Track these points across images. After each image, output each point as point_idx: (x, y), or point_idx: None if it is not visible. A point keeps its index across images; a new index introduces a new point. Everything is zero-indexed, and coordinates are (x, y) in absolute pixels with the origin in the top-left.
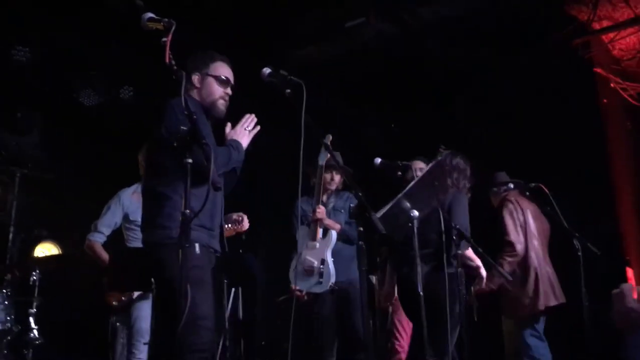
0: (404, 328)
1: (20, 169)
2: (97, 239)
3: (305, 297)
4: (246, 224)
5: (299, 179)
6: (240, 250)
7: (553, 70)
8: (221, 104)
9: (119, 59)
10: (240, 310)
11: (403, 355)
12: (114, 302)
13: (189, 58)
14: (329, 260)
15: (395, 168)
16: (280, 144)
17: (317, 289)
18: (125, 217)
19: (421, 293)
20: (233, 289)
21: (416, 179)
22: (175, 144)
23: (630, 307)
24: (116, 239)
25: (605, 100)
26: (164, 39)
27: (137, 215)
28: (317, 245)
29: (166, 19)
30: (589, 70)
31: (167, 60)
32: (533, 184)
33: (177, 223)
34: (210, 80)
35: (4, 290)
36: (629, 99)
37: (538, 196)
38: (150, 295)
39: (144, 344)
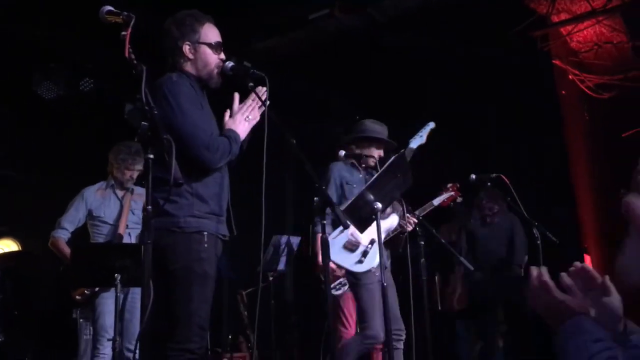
0: (352, 317)
1: None
2: (61, 235)
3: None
4: None
5: (263, 171)
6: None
7: (513, 62)
8: (218, 74)
9: (79, 51)
10: None
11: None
12: (77, 297)
13: (172, 23)
14: (381, 242)
15: (359, 159)
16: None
17: (355, 268)
18: (89, 214)
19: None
20: None
21: (379, 171)
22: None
23: (558, 299)
24: (80, 234)
25: (563, 92)
26: (123, 33)
27: (100, 212)
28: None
29: (125, 13)
30: (547, 62)
31: (126, 54)
32: (494, 175)
33: (185, 211)
34: (204, 48)
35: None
36: (586, 90)
37: (498, 186)
38: (113, 290)
39: (108, 339)
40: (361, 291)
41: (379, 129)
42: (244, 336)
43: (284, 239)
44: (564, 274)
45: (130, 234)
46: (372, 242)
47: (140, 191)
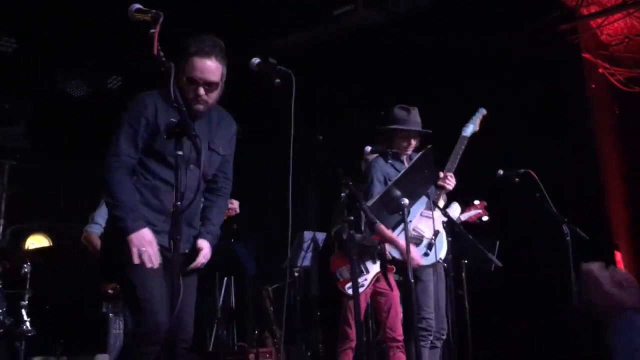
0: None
1: (8, 160)
2: (94, 230)
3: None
4: (236, 206)
5: (289, 168)
6: (232, 240)
7: (541, 56)
8: (196, 106)
9: (106, 49)
10: (233, 298)
11: (354, 344)
12: (109, 291)
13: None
14: (444, 232)
15: (385, 155)
16: (270, 133)
17: (422, 261)
18: None
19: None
20: (225, 278)
21: (406, 167)
22: (165, 137)
23: (609, 292)
24: None
25: (593, 86)
26: (152, 31)
27: None
28: (431, 215)
29: (154, 11)
30: (577, 55)
31: (155, 52)
32: (522, 170)
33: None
34: (184, 81)
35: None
36: (617, 84)
37: (527, 182)
38: None
39: None
40: (417, 287)
41: (405, 116)
42: (269, 331)
43: (309, 235)
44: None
45: None
46: (436, 233)
47: None
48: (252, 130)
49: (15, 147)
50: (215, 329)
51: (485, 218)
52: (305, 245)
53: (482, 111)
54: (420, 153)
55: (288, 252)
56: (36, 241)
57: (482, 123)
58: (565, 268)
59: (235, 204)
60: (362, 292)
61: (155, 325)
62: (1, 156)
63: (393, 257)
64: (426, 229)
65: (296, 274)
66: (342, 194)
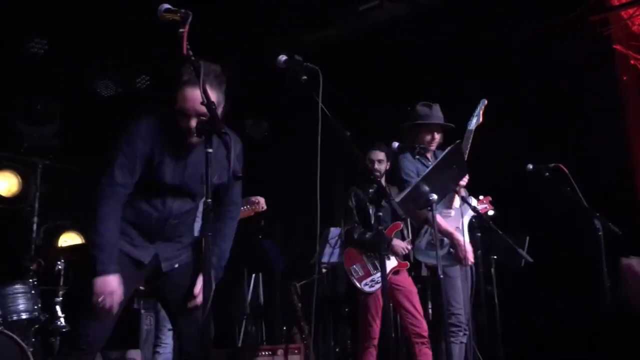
0: (378, 314)
1: (41, 159)
2: None
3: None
4: (263, 204)
5: (317, 163)
6: (260, 237)
7: (571, 48)
8: (189, 138)
9: (135, 49)
10: (261, 295)
11: (376, 341)
12: (140, 287)
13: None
14: (465, 230)
15: (413, 151)
16: (296, 129)
17: (446, 262)
18: None
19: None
20: (253, 275)
21: (434, 162)
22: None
23: None
24: None
25: (624, 77)
26: (181, 30)
27: None
28: (453, 213)
29: (183, 10)
30: (608, 47)
31: (184, 51)
32: (552, 165)
33: None
34: (177, 111)
35: (30, 280)
36: None
37: (557, 176)
38: None
39: (169, 329)
40: (445, 283)
41: (427, 112)
42: (298, 328)
43: (336, 231)
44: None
45: None
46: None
47: None
48: (279, 126)
49: (47, 147)
50: (244, 325)
51: (491, 212)
52: (332, 241)
53: (484, 102)
54: (449, 148)
55: (316, 248)
56: (69, 238)
57: (485, 114)
58: (597, 263)
59: (261, 201)
60: (379, 288)
61: (86, 344)
62: (34, 156)
63: (416, 259)
64: (447, 228)
65: (324, 270)
66: (352, 194)
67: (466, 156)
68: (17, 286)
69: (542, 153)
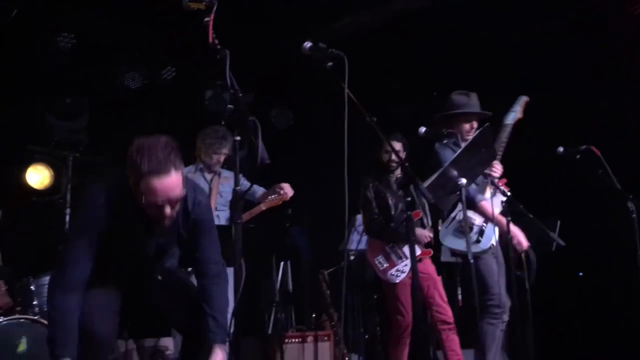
0: (409, 303)
1: (71, 152)
2: None
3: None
4: (289, 191)
5: (344, 150)
6: (287, 225)
7: (601, 27)
8: (161, 224)
9: (161, 40)
10: (290, 282)
11: (409, 329)
12: None
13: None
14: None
15: (440, 136)
16: (322, 116)
17: (474, 249)
18: None
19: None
20: (282, 263)
21: (463, 146)
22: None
23: None
24: None
25: None
26: (207, 19)
27: None
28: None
29: None
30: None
31: (210, 40)
32: (583, 147)
33: None
34: (142, 200)
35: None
36: None
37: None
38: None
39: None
40: (479, 268)
41: (465, 100)
42: (327, 315)
43: None
44: None
45: (219, 216)
46: (485, 220)
47: (226, 174)
48: (304, 115)
49: (77, 140)
50: (273, 312)
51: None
52: (360, 228)
53: (523, 98)
54: (477, 132)
55: (345, 236)
56: None
57: (525, 109)
58: (630, 246)
59: (286, 187)
60: (405, 277)
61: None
62: (65, 149)
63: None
64: (475, 215)
65: (352, 258)
66: (369, 186)
67: (502, 150)
68: None
69: (573, 135)
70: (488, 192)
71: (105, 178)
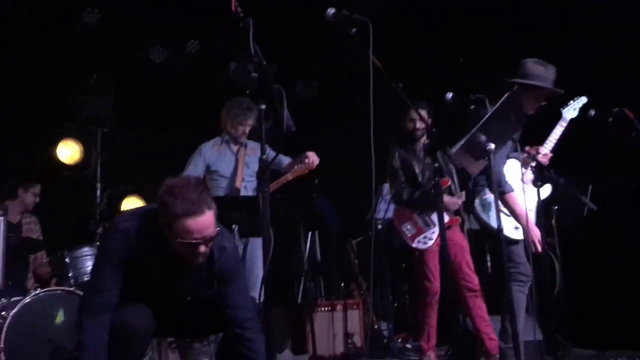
0: (437, 269)
1: (100, 128)
2: None
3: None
4: (315, 159)
5: (370, 118)
6: (314, 195)
7: None
8: (196, 261)
9: (184, 13)
10: (318, 252)
11: (437, 296)
12: None
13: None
14: (533, 211)
15: (468, 102)
16: (349, 86)
17: (513, 234)
18: (207, 169)
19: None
20: (309, 233)
21: (491, 110)
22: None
23: None
24: None
25: None
26: None
27: (217, 166)
28: (527, 189)
29: None
30: None
31: (233, 9)
32: (616, 109)
33: None
34: (177, 242)
35: (97, 243)
36: None
37: (621, 121)
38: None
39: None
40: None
41: (542, 72)
42: (355, 284)
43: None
44: None
45: (246, 187)
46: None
47: (252, 145)
48: (329, 85)
49: (105, 115)
50: (302, 282)
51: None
52: (387, 197)
53: (583, 100)
54: (506, 95)
55: (373, 204)
56: (131, 202)
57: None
58: None
59: (311, 156)
60: (433, 244)
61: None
62: (93, 125)
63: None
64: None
65: (379, 226)
66: (395, 154)
67: (555, 142)
68: (86, 249)
69: (605, 97)
70: (529, 175)
71: (133, 212)
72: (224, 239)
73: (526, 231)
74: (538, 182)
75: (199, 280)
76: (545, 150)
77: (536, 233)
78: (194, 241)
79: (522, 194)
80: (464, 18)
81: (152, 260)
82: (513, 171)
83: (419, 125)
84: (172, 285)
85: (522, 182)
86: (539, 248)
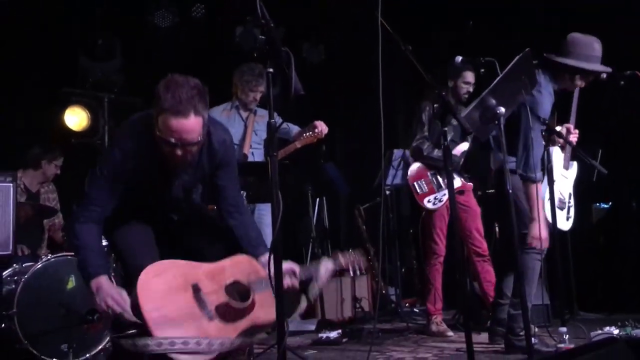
0: (443, 232)
1: (107, 94)
2: None
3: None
4: (324, 129)
5: (379, 82)
6: (321, 161)
7: None
8: (173, 164)
9: None
10: (326, 218)
11: (442, 259)
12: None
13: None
14: (546, 201)
15: (478, 65)
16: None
17: (563, 226)
18: None
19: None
20: (317, 199)
21: (501, 73)
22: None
23: None
24: None
25: None
26: None
27: None
28: (567, 175)
29: None
30: None
31: None
32: (628, 72)
33: None
34: (158, 136)
35: None
36: None
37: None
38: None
39: None
40: (517, 203)
41: (590, 51)
42: (363, 249)
43: (399, 152)
44: None
45: (253, 154)
46: (570, 195)
47: (262, 112)
48: (336, 49)
49: (112, 81)
50: (310, 247)
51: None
52: (395, 163)
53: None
54: (518, 57)
55: (382, 171)
56: None
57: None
58: None
59: (319, 125)
60: (442, 205)
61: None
62: (100, 91)
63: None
64: (563, 190)
65: (387, 193)
66: (426, 108)
67: (575, 117)
68: None
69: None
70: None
71: (138, 114)
72: (224, 133)
73: (533, 223)
74: (549, 147)
75: (200, 172)
76: (572, 127)
77: (543, 233)
78: (172, 140)
79: (564, 181)
80: (464, 18)
81: (151, 159)
82: (557, 160)
83: (470, 88)
84: (171, 188)
85: (564, 169)
86: (538, 245)
